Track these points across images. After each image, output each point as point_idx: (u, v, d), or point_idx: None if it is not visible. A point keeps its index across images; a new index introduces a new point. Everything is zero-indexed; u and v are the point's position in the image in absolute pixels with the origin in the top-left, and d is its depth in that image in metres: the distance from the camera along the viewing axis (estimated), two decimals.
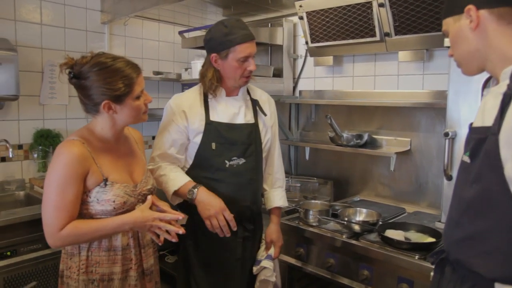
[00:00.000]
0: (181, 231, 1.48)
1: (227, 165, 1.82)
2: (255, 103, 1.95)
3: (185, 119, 1.83)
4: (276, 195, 2.05)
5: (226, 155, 1.82)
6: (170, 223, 1.48)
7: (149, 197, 1.53)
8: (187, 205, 1.84)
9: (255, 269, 1.93)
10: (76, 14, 3.05)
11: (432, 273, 1.63)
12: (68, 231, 1.38)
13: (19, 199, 2.67)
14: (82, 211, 1.45)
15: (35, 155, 2.80)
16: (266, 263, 1.92)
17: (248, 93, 1.97)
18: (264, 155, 1.98)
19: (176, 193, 1.80)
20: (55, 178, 1.39)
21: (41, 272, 2.29)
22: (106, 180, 1.45)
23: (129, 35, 3.38)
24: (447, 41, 1.73)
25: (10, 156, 2.59)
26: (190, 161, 1.88)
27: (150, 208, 1.51)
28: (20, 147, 2.82)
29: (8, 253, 2.19)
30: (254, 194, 1.91)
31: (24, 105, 2.82)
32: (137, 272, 1.53)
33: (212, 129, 1.82)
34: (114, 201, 1.45)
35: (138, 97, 1.50)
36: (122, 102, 1.46)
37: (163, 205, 1.55)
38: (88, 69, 1.42)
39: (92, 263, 1.47)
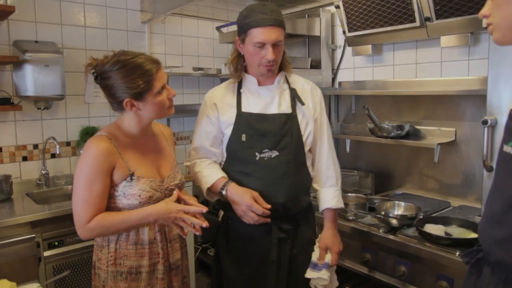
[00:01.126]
0: (205, 224, 1.48)
1: (257, 158, 1.71)
2: (293, 93, 1.80)
3: (216, 111, 1.79)
4: (328, 195, 1.85)
5: (256, 147, 1.72)
6: (195, 217, 1.49)
7: (175, 191, 1.55)
8: (222, 202, 1.81)
9: (308, 273, 1.77)
10: (117, 15, 3.16)
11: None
12: (95, 223, 1.43)
13: (67, 193, 2.81)
14: (110, 205, 1.50)
15: (81, 151, 2.93)
16: (324, 273, 1.74)
17: (288, 82, 1.85)
18: (306, 148, 1.81)
19: (210, 190, 1.76)
20: (83, 173, 1.45)
21: (86, 262, 2.42)
22: (132, 174, 1.49)
23: (168, 32, 3.46)
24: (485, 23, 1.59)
25: (58, 152, 2.73)
26: (225, 155, 1.82)
27: (177, 202, 1.52)
28: (68, 144, 2.98)
29: (56, 243, 2.33)
30: (290, 191, 1.73)
31: (70, 104, 2.97)
32: (164, 266, 1.56)
33: (242, 120, 1.74)
34: (140, 196, 1.48)
35: (159, 93, 1.50)
36: (144, 99, 1.48)
37: (190, 199, 1.57)
38: (109, 68, 1.46)
39: (120, 256, 1.51)
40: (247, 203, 1.63)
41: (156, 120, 1.69)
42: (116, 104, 1.51)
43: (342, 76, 3.04)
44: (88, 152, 1.46)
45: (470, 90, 2.23)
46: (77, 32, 2.98)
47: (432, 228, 1.85)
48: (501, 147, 1.17)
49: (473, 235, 1.79)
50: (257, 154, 1.72)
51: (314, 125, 1.83)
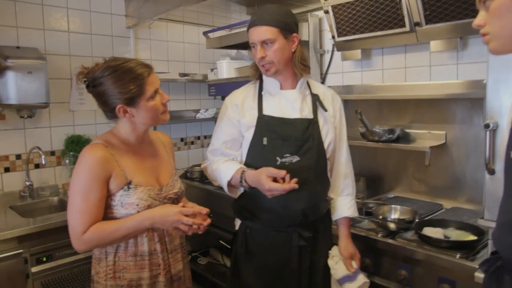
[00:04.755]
0: (206, 222, 1.44)
1: (278, 162, 1.65)
2: (315, 98, 1.78)
3: (237, 113, 1.76)
4: (344, 204, 1.86)
5: (277, 151, 1.67)
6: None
7: (180, 204, 1.48)
8: (239, 209, 1.78)
9: (348, 287, 1.75)
10: (101, 20, 3.09)
11: (476, 274, 1.54)
12: (90, 233, 1.38)
13: (53, 204, 2.72)
14: (108, 215, 1.44)
15: (67, 161, 2.85)
16: (362, 278, 1.76)
17: (310, 87, 1.82)
18: (327, 155, 1.77)
19: (230, 184, 1.70)
20: (78, 182, 1.40)
21: (76, 277, 2.33)
22: (129, 183, 1.44)
23: (154, 38, 3.40)
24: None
25: (43, 162, 2.64)
26: (244, 159, 1.77)
27: None
28: (52, 153, 2.89)
29: (44, 258, 2.23)
30: (311, 198, 1.70)
31: (54, 112, 2.88)
32: (166, 278, 1.51)
33: (263, 123, 1.71)
34: (137, 205, 1.43)
35: (152, 97, 1.46)
36: (136, 104, 1.44)
37: (192, 205, 1.52)
38: (99, 74, 1.42)
39: (120, 269, 1.46)
40: (265, 187, 1.54)
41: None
42: (109, 111, 1.47)
43: (330, 81, 3.05)
44: (84, 160, 1.41)
45: (459, 94, 2.26)
46: (60, 37, 2.90)
47: (431, 231, 1.86)
48: (507, 154, 1.14)
49: (472, 237, 1.81)
50: (278, 158, 1.67)
51: (333, 132, 1.80)
